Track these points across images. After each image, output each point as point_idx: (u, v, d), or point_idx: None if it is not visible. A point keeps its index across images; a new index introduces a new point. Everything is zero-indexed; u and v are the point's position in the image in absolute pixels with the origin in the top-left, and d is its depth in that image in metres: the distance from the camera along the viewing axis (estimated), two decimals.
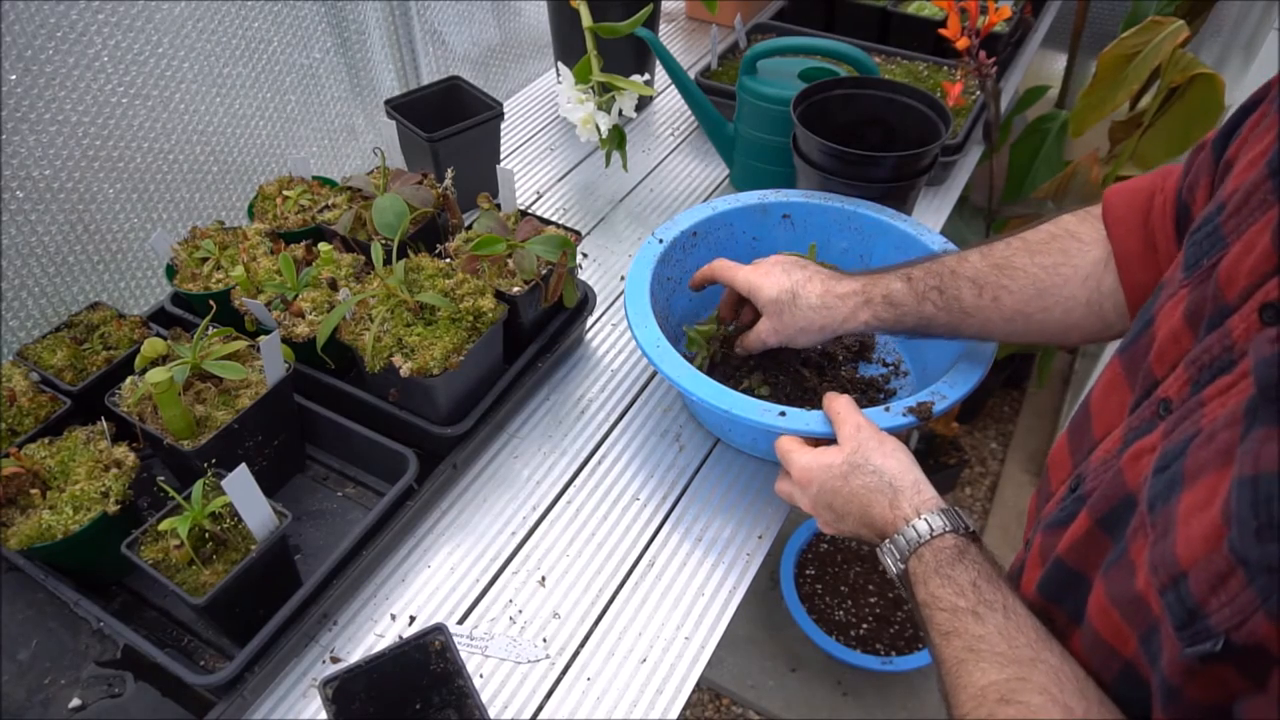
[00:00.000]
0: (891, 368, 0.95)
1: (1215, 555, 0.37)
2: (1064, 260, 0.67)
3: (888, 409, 0.75)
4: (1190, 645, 0.38)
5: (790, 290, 0.77)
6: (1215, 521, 0.37)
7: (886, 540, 0.62)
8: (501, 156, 1.26)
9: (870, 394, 0.90)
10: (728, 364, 0.91)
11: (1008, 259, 0.70)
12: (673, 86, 1.28)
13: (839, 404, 0.72)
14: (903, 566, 0.60)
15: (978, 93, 1.30)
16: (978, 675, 0.49)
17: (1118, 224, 0.64)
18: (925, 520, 0.60)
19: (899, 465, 0.65)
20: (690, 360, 0.85)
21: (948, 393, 0.77)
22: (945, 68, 1.37)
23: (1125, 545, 0.45)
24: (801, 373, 0.89)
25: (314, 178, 1.03)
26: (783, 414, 0.75)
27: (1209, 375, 0.43)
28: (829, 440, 0.72)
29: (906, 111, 1.05)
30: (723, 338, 0.91)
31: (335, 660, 0.72)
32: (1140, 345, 0.52)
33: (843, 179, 0.99)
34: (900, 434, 0.72)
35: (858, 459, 0.67)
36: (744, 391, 0.82)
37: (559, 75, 1.14)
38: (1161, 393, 0.47)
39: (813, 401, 0.76)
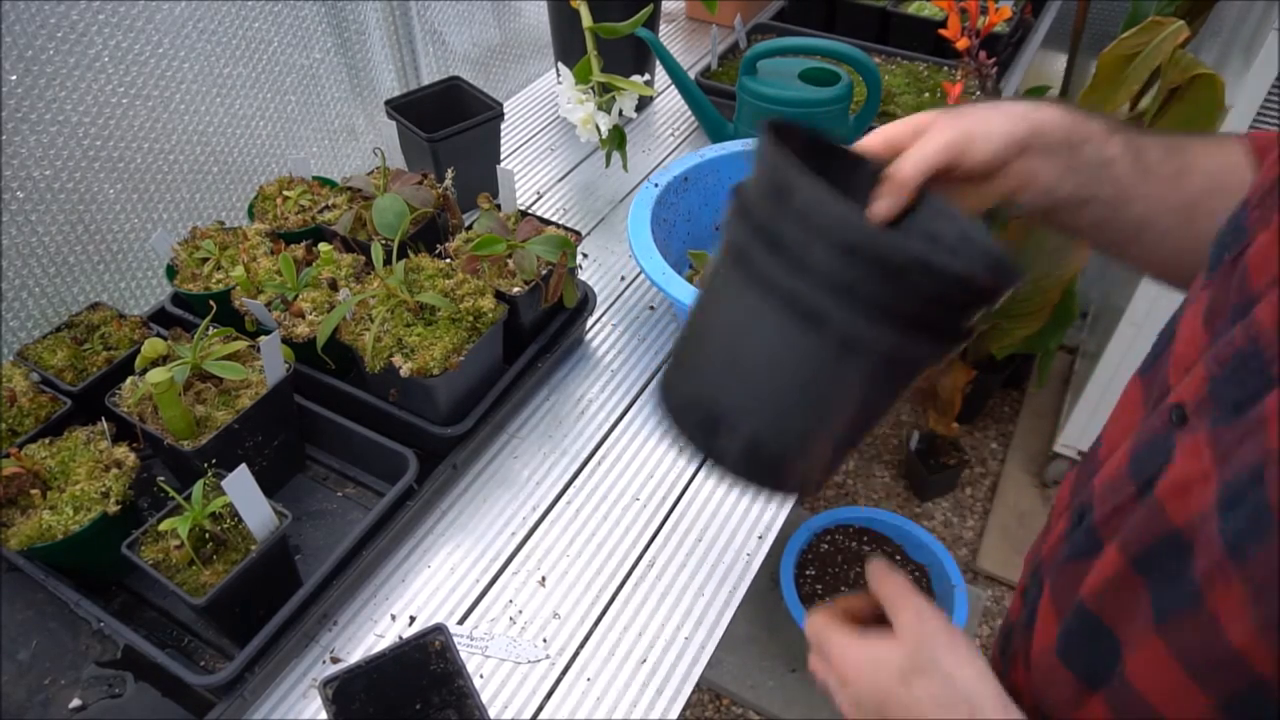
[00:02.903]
0: None
1: None
2: (1239, 165, 0.55)
3: None
4: None
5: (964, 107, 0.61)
6: None
7: None
8: (502, 157, 1.26)
9: None
10: None
11: (1179, 143, 0.57)
12: (673, 87, 1.28)
13: (892, 585, 0.53)
14: None
15: (978, 93, 1.30)
16: None
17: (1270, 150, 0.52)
18: None
19: (975, 673, 0.49)
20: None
21: None
22: (945, 68, 1.37)
23: (1195, 594, 0.38)
24: None
25: (314, 178, 1.03)
26: None
27: (1247, 382, 0.37)
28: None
29: None
30: None
31: (335, 660, 0.72)
32: (1160, 361, 0.47)
33: None
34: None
35: (922, 659, 0.50)
36: None
37: (559, 75, 1.14)
38: (1174, 398, 0.42)
39: None
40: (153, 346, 0.78)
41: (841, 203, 0.39)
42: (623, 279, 1.11)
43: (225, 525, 0.69)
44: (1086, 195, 0.57)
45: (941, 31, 1.20)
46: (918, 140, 0.55)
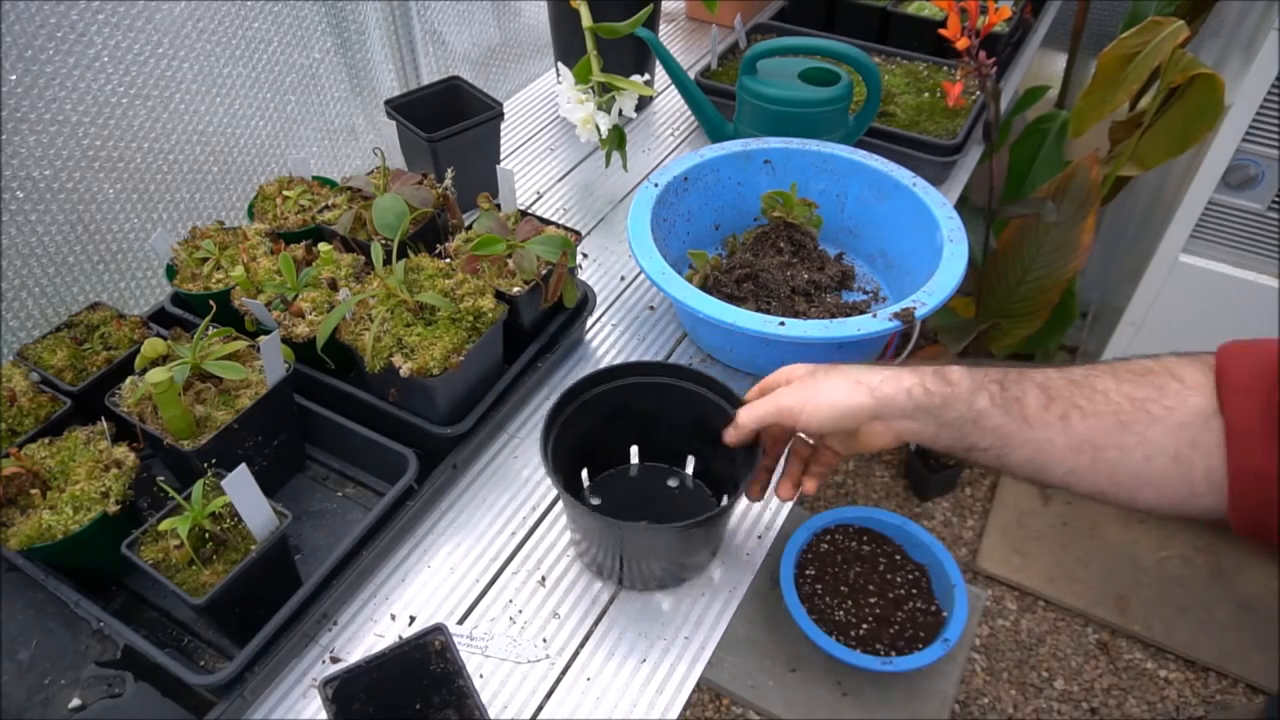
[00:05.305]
0: (871, 294, 1.04)
1: None
2: (1157, 396, 0.57)
3: (874, 315, 0.83)
4: None
5: (825, 368, 0.69)
6: None
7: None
8: (501, 156, 1.26)
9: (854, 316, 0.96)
10: (721, 292, 0.98)
11: (1087, 378, 0.60)
12: (673, 86, 1.28)
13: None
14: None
15: (978, 93, 1.30)
16: None
17: (1235, 391, 0.54)
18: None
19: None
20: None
21: (927, 300, 0.84)
22: (945, 68, 1.37)
23: None
24: (793, 300, 0.97)
25: (314, 178, 1.03)
26: (782, 324, 0.81)
27: None
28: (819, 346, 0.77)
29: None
30: (720, 266, 1.00)
31: (335, 660, 0.72)
32: None
33: None
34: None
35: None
36: None
37: (559, 75, 1.14)
38: None
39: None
40: (153, 346, 0.78)
41: None
42: (623, 279, 1.11)
43: (225, 525, 0.69)
44: (967, 444, 0.63)
45: (941, 31, 1.20)
46: (765, 395, 0.69)
